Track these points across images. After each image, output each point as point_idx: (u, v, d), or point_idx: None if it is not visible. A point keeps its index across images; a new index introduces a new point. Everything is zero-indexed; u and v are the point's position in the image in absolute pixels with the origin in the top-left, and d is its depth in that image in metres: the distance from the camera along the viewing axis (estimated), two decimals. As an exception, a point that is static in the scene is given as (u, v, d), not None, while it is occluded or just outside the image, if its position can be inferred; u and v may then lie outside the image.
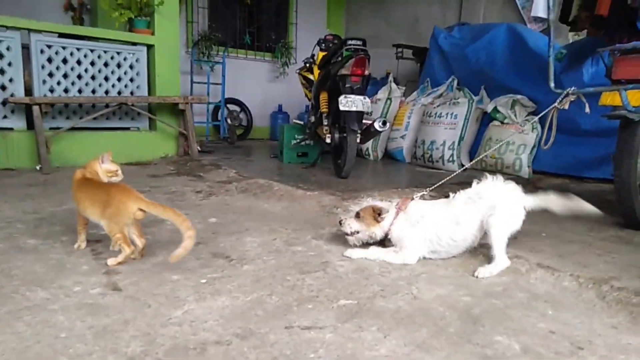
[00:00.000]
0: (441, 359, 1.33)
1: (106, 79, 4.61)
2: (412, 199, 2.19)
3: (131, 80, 4.76)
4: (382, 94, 5.66)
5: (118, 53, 4.64)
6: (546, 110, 2.49)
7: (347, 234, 2.18)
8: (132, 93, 4.76)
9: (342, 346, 1.36)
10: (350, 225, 2.17)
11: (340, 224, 2.20)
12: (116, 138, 4.70)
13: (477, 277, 1.93)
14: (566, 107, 2.31)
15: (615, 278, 1.85)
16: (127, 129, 4.88)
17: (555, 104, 2.59)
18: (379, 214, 2.12)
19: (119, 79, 4.68)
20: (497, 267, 1.98)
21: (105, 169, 2.13)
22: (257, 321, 1.50)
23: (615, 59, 2.52)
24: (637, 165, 2.54)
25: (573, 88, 2.47)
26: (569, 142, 4.15)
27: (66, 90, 4.42)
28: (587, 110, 2.43)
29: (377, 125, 3.83)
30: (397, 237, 2.11)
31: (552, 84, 2.68)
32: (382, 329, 1.48)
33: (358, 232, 2.16)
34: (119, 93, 4.69)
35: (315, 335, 1.43)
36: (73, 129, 4.41)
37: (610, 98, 2.50)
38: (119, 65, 4.66)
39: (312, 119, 4.49)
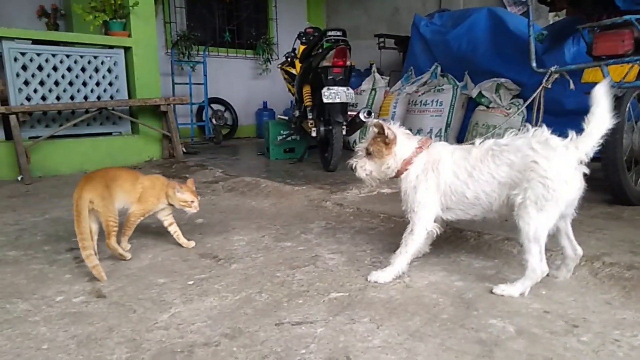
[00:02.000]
0: (435, 346, 1.30)
1: (84, 84, 4.52)
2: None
3: (110, 84, 4.67)
4: (366, 85, 5.62)
5: (95, 57, 4.55)
6: (535, 93, 2.48)
7: (362, 178, 1.86)
8: (111, 97, 4.67)
9: (334, 339, 1.33)
10: (364, 167, 1.83)
11: (354, 169, 1.86)
12: (98, 144, 4.62)
13: (494, 293, 1.61)
14: (549, 86, 2.30)
15: (607, 254, 1.84)
16: (110, 134, 4.79)
17: (543, 84, 2.58)
18: (386, 140, 1.75)
19: (98, 84, 4.59)
20: (525, 283, 1.58)
21: (180, 197, 2.10)
22: (246, 320, 1.46)
23: (595, 35, 2.51)
24: (623, 141, 2.54)
25: (556, 66, 2.45)
26: (554, 123, 4.06)
27: (44, 98, 4.32)
28: (572, 86, 2.41)
29: (362, 116, 3.79)
30: (410, 187, 1.75)
31: (533, 64, 2.67)
32: (374, 320, 1.45)
33: (372, 173, 1.83)
34: (99, 98, 4.59)
35: (306, 330, 1.39)
36: (53, 137, 4.32)
37: (592, 75, 2.50)
38: (96, 70, 4.57)
39: (297, 113, 4.44)
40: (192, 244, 2.19)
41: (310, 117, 4.12)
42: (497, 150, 1.65)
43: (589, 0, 3.52)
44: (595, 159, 2.31)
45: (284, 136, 4.79)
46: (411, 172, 1.76)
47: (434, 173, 1.73)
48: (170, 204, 2.14)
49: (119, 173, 2.08)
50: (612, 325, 1.38)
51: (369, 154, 1.82)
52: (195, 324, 1.44)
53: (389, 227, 2.44)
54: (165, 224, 2.18)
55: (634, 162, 2.73)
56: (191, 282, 1.77)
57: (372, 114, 3.91)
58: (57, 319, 1.49)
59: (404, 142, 1.79)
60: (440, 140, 4.74)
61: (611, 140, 2.50)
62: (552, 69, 2.51)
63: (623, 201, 2.63)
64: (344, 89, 3.74)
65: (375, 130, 1.79)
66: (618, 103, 2.49)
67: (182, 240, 2.18)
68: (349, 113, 3.96)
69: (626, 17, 2.33)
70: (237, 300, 1.61)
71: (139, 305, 1.58)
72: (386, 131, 1.75)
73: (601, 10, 3.38)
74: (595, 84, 2.56)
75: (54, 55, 4.33)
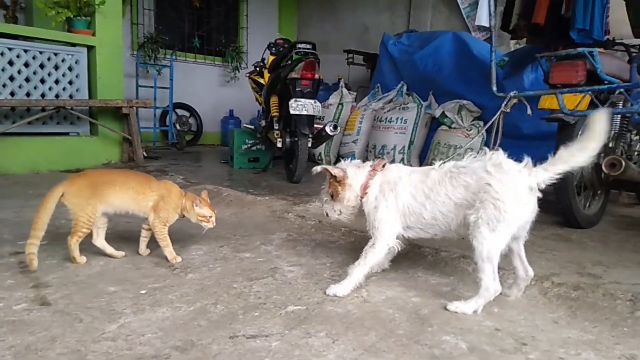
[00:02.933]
0: (390, 362, 1.30)
1: (42, 81, 4.33)
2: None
3: (70, 82, 4.50)
4: (333, 99, 5.67)
5: (55, 54, 4.38)
6: (495, 117, 2.57)
7: (336, 219, 1.96)
8: (71, 96, 4.50)
9: (288, 354, 1.31)
10: (333, 209, 1.91)
11: (327, 215, 1.96)
12: (54, 144, 4.43)
13: (448, 309, 1.63)
14: (508, 110, 2.39)
15: (556, 274, 1.92)
16: (66, 134, 4.60)
17: (502, 108, 2.69)
18: (337, 179, 1.84)
19: (57, 82, 4.41)
20: (478, 301, 1.61)
21: (198, 212, 2.05)
22: (199, 332, 1.42)
23: (552, 64, 2.63)
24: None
25: (515, 92, 2.56)
26: (512, 146, 4.25)
27: (-4, 93, 4.12)
28: (529, 112, 2.52)
29: (328, 129, 3.82)
30: (371, 208, 1.80)
31: (494, 88, 2.77)
32: (330, 334, 1.44)
33: (341, 212, 1.91)
34: (57, 96, 4.41)
35: (260, 344, 1.36)
36: (4, 134, 4.10)
37: (548, 101, 2.61)
38: (56, 67, 4.39)
39: (263, 123, 4.42)
40: (148, 251, 2.12)
41: (277, 127, 4.11)
42: (455, 172, 1.70)
43: (548, 31, 3.72)
44: (548, 182, 2.35)
45: (249, 145, 4.75)
46: (370, 195, 1.82)
47: (393, 193, 1.77)
48: (183, 216, 2.07)
49: (123, 179, 2.00)
50: (558, 343, 1.43)
51: (331, 196, 1.90)
52: (145, 336, 1.38)
53: (349, 241, 2.45)
54: (145, 226, 2.08)
55: (584, 187, 2.87)
56: (144, 292, 1.71)
57: (338, 127, 3.95)
58: (-5, 327, 1.40)
59: (355, 172, 1.87)
60: (403, 158, 4.85)
61: (563, 165, 2.62)
62: (511, 94, 2.62)
63: (573, 224, 2.75)
64: (312, 101, 3.75)
65: (327, 174, 1.87)
66: (570, 130, 2.61)
67: (143, 246, 2.11)
68: (315, 126, 3.98)
69: (580, 49, 2.46)
70: (191, 311, 1.56)
71: (86, 315, 1.50)
72: (333, 172, 1.83)
73: (558, 42, 3.58)
74: (550, 110, 2.70)
75: (10, 49, 4.14)
